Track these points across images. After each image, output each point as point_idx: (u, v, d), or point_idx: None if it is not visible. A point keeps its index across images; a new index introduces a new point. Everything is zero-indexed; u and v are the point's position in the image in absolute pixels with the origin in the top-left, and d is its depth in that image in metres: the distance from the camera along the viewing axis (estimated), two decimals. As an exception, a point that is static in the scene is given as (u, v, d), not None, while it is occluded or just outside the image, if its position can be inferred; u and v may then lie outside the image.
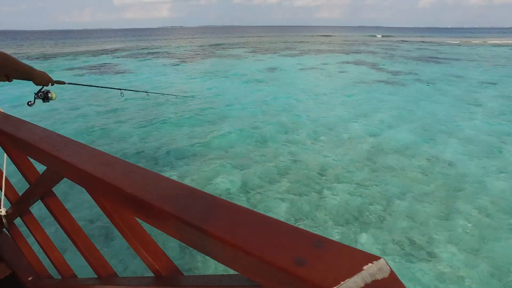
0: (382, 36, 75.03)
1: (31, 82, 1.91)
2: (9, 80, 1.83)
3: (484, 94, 12.81)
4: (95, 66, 21.93)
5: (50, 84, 1.96)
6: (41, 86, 1.95)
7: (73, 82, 2.39)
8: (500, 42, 51.22)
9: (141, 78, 16.90)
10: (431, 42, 51.50)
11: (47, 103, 2.03)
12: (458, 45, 44.39)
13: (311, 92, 12.79)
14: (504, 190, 5.46)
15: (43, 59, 27.66)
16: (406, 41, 53.02)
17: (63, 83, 2.16)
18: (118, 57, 28.20)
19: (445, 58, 25.89)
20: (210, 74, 18.19)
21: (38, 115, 9.80)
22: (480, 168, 6.31)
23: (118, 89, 3.06)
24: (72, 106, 11.14)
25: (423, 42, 51.25)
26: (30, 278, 1.76)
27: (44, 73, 1.89)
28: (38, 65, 22.97)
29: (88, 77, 17.64)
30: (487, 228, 4.46)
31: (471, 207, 4.97)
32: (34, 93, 1.97)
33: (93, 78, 17.29)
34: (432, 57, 26.89)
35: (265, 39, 60.10)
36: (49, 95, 1.99)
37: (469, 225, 4.52)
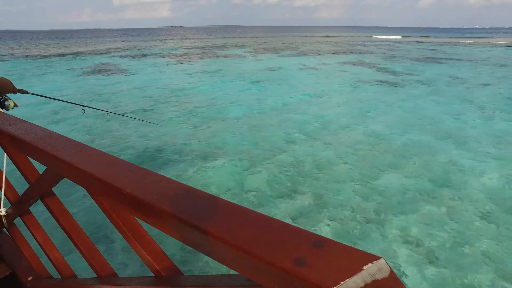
0: (402, 37, 71.81)
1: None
2: None
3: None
4: (94, 66, 21.91)
5: (12, 92, 1.87)
6: (1, 94, 1.83)
7: (36, 93, 2.31)
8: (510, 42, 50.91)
9: (138, 79, 16.84)
10: (448, 42, 50.43)
11: (3, 111, 1.82)
12: (490, 45, 43.35)
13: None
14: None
15: (43, 58, 27.61)
16: (423, 41, 51.70)
17: (26, 92, 2.07)
18: (117, 57, 28.15)
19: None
20: (209, 75, 18.15)
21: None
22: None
23: (81, 105, 2.95)
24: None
25: (443, 42, 49.85)
26: (30, 278, 1.76)
27: (5, 79, 1.81)
28: (36, 64, 22.94)
29: (88, 77, 17.62)
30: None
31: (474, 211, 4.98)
32: None
33: (93, 78, 17.28)
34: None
35: (272, 39, 57.91)
36: (6, 103, 1.83)
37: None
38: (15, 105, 1.88)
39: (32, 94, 2.20)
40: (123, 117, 5.08)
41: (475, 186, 5.58)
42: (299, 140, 7.80)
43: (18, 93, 1.96)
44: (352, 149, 7.16)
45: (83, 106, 2.94)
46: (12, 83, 1.85)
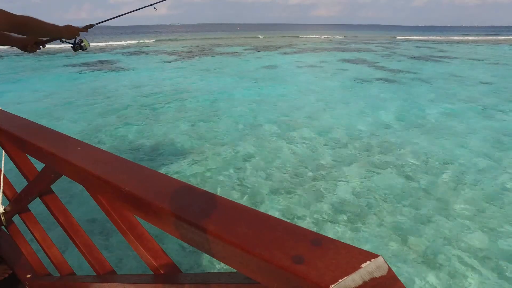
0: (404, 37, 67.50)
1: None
2: (43, 46, 1.90)
3: None
4: (95, 63, 21.83)
5: (80, 33, 1.98)
6: (74, 39, 1.98)
7: (101, 21, 2.35)
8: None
9: (140, 76, 16.80)
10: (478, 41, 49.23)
11: (86, 50, 2.12)
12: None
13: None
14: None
15: (40, 55, 27.48)
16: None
17: (92, 26, 2.15)
18: (118, 54, 28.03)
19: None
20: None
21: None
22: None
23: (151, 5, 2.79)
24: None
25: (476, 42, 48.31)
26: (28, 276, 1.76)
27: (70, 26, 1.91)
28: (32, 60, 22.85)
29: (87, 73, 17.57)
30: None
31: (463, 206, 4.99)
32: (71, 44, 2.03)
33: (93, 74, 17.24)
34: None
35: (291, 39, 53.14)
36: (83, 44, 2.06)
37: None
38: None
39: (97, 24, 2.26)
40: None
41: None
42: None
43: (88, 29, 2.04)
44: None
45: (153, 5, 2.83)
46: (75, 26, 1.93)
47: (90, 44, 2.14)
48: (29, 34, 1.76)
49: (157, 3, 2.77)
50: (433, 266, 3.77)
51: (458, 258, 3.90)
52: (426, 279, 3.59)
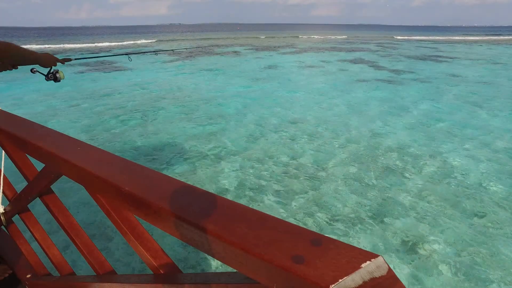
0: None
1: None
2: (15, 67, 1.85)
3: None
4: (96, 63, 21.82)
5: (58, 63, 1.96)
6: (50, 68, 1.94)
7: (80, 57, 2.41)
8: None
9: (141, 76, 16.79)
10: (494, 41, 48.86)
11: (58, 82, 2.07)
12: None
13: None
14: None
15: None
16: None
17: (70, 59, 2.14)
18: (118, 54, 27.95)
19: None
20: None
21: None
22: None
23: (126, 54, 3.14)
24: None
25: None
26: (28, 276, 1.76)
27: (48, 54, 1.89)
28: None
29: (90, 74, 17.55)
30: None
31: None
32: (44, 74, 1.97)
33: (93, 76, 17.22)
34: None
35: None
36: (57, 75, 2.01)
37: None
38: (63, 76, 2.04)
39: (76, 59, 2.28)
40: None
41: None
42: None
43: (65, 62, 2.04)
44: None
45: (128, 54, 3.14)
46: (54, 56, 1.93)
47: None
48: (7, 59, 1.74)
49: (131, 54, 3.18)
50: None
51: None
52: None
